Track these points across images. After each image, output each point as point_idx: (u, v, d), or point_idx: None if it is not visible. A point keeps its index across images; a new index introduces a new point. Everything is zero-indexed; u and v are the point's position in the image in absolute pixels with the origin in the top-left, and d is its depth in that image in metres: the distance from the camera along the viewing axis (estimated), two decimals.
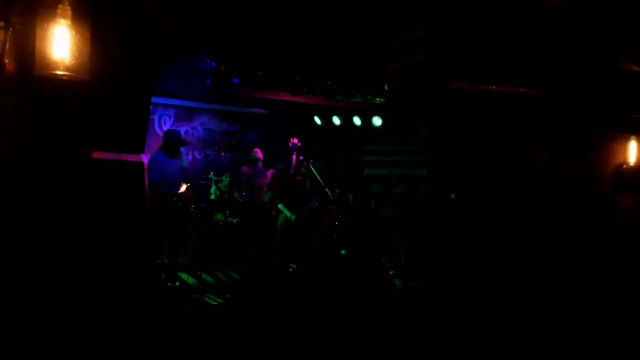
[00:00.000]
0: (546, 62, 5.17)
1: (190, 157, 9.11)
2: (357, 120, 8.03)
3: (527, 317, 4.94)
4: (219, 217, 7.65)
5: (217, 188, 8.02)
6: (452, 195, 6.71)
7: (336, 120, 8.35)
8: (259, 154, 7.55)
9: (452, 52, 5.50)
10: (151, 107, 7.47)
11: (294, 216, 7.33)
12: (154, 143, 8.09)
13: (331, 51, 6.02)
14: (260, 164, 7.55)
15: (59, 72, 3.19)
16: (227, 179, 8.18)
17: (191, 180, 6.77)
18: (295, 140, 7.62)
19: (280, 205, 7.44)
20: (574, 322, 4.74)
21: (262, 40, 5.62)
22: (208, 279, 6.53)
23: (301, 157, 7.53)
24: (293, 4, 4.82)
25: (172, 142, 6.29)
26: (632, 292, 4.73)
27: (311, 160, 7.36)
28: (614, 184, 5.24)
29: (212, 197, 7.97)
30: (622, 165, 5.20)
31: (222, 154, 8.81)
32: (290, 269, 6.80)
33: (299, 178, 7.59)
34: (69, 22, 3.22)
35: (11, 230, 3.34)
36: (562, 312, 4.86)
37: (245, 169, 7.58)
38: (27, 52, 3.23)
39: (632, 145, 5.19)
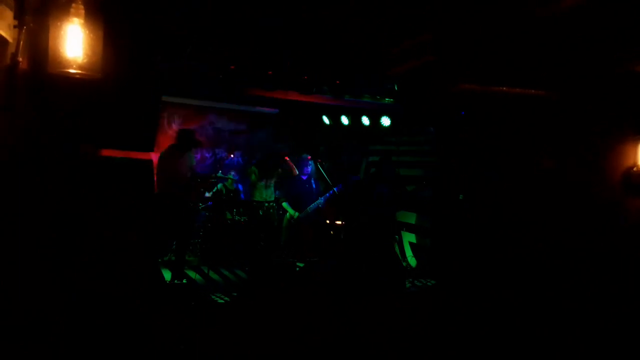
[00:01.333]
0: (554, 64, 5.15)
1: (198, 156, 9.15)
2: (365, 120, 8.02)
3: (528, 319, 4.94)
4: (227, 215, 7.69)
5: (224, 186, 8.05)
6: (460, 197, 6.70)
7: (344, 120, 8.35)
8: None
9: (459, 53, 5.50)
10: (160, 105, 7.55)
11: (297, 214, 7.36)
12: (162, 141, 8.16)
13: (336, 53, 6.03)
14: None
15: (71, 71, 3.24)
16: (232, 177, 8.22)
17: (200, 179, 6.82)
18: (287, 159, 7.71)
19: (284, 204, 7.47)
20: (574, 324, 4.74)
21: (266, 41, 5.64)
22: (215, 276, 6.55)
23: (309, 157, 7.55)
24: (296, 5, 4.84)
25: (186, 142, 6.34)
26: (637, 296, 4.71)
27: (319, 160, 7.37)
28: (622, 188, 5.21)
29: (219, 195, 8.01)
30: (631, 168, 5.16)
31: (232, 155, 8.89)
32: (297, 269, 6.82)
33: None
34: (82, 21, 3.26)
35: (23, 224, 3.38)
36: (563, 315, 4.86)
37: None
38: (41, 50, 3.27)
39: None
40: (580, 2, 3.96)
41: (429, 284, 6.87)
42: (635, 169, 5.13)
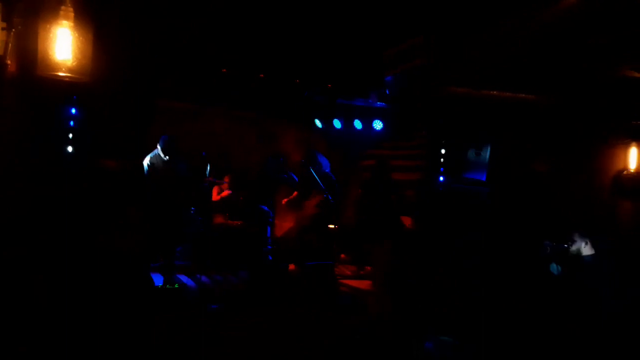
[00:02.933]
0: (545, 68, 5.18)
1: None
2: (358, 124, 8.03)
3: (530, 318, 4.95)
4: (219, 219, 7.66)
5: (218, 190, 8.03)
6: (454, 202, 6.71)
7: (337, 124, 8.35)
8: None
9: (450, 56, 5.52)
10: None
11: None
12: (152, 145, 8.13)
13: (328, 57, 6.04)
14: None
15: (60, 74, 3.21)
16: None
17: (188, 183, 6.79)
18: None
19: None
20: (575, 321, 4.75)
21: (259, 44, 5.64)
22: (207, 281, 6.52)
23: (302, 160, 7.54)
24: (288, 8, 4.83)
25: (167, 148, 6.36)
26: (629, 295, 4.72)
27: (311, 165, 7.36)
28: (614, 190, 5.25)
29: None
30: (622, 171, 5.20)
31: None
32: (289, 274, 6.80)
33: None
34: (71, 24, 3.23)
35: (7, 227, 3.34)
36: (563, 314, 4.88)
37: None
38: (29, 53, 3.24)
39: (633, 151, 5.20)
40: (573, 7, 3.99)
41: None
42: (625, 172, 5.17)
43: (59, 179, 3.57)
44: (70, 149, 3.85)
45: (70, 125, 3.74)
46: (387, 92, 6.83)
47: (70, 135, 3.85)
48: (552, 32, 4.52)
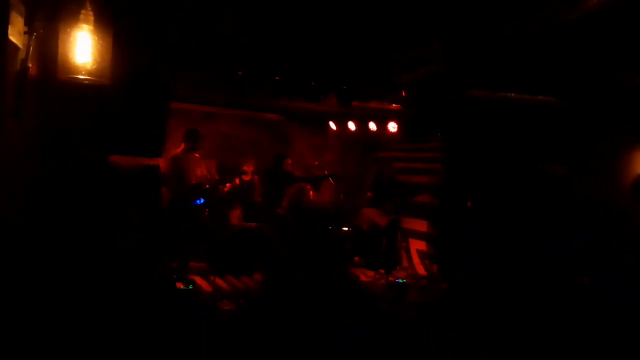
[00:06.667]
0: (563, 71, 5.14)
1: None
2: (372, 126, 8.02)
3: (534, 317, 4.91)
4: (234, 221, 7.67)
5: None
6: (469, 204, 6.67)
7: (352, 126, 8.35)
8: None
9: (468, 60, 5.50)
10: None
11: None
12: (169, 146, 8.18)
13: (345, 56, 6.04)
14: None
15: (81, 77, 3.25)
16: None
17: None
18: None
19: None
20: (584, 323, 4.71)
21: (273, 47, 5.66)
22: (221, 283, 6.53)
23: (316, 163, 7.56)
24: (304, 10, 4.85)
25: (194, 140, 6.44)
26: None
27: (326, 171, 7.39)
28: (632, 195, 5.17)
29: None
30: None
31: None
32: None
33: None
34: (91, 27, 3.28)
35: (27, 229, 3.38)
36: (571, 316, 4.84)
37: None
38: (50, 56, 3.29)
39: None
40: (590, 11, 3.96)
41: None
42: None
43: (61, 179, 3.59)
44: (88, 150, 3.88)
45: (89, 127, 3.77)
46: (402, 94, 6.82)
47: (89, 138, 3.89)
48: (571, 35, 4.49)
